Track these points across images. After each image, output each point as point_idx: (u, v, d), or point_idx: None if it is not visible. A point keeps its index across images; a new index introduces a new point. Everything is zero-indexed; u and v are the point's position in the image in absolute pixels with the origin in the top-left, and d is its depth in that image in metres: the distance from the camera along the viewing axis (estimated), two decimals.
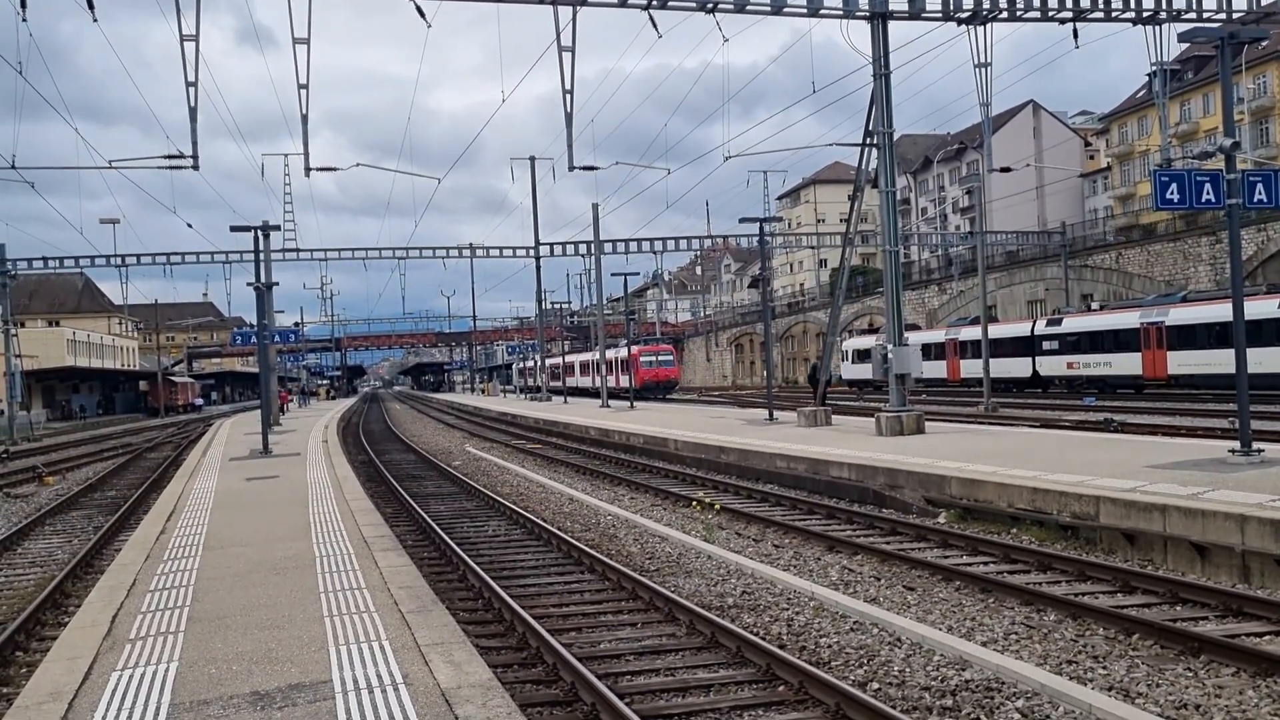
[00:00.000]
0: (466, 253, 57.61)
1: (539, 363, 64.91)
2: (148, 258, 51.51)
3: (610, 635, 8.71)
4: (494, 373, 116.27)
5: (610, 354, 59.72)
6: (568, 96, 23.42)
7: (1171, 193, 13.09)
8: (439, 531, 13.76)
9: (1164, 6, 22.89)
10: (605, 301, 57.95)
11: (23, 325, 68.31)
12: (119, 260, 50.39)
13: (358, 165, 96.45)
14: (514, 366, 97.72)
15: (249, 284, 25.81)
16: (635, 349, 56.64)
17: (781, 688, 7.04)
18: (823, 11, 21.41)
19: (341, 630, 7.07)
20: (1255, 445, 13.32)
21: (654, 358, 58.11)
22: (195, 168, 22.97)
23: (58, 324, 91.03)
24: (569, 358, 69.21)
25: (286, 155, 71.82)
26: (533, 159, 53.06)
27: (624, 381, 53.93)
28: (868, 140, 22.37)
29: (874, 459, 16.19)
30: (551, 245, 55.27)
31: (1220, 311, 32.12)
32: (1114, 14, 22.84)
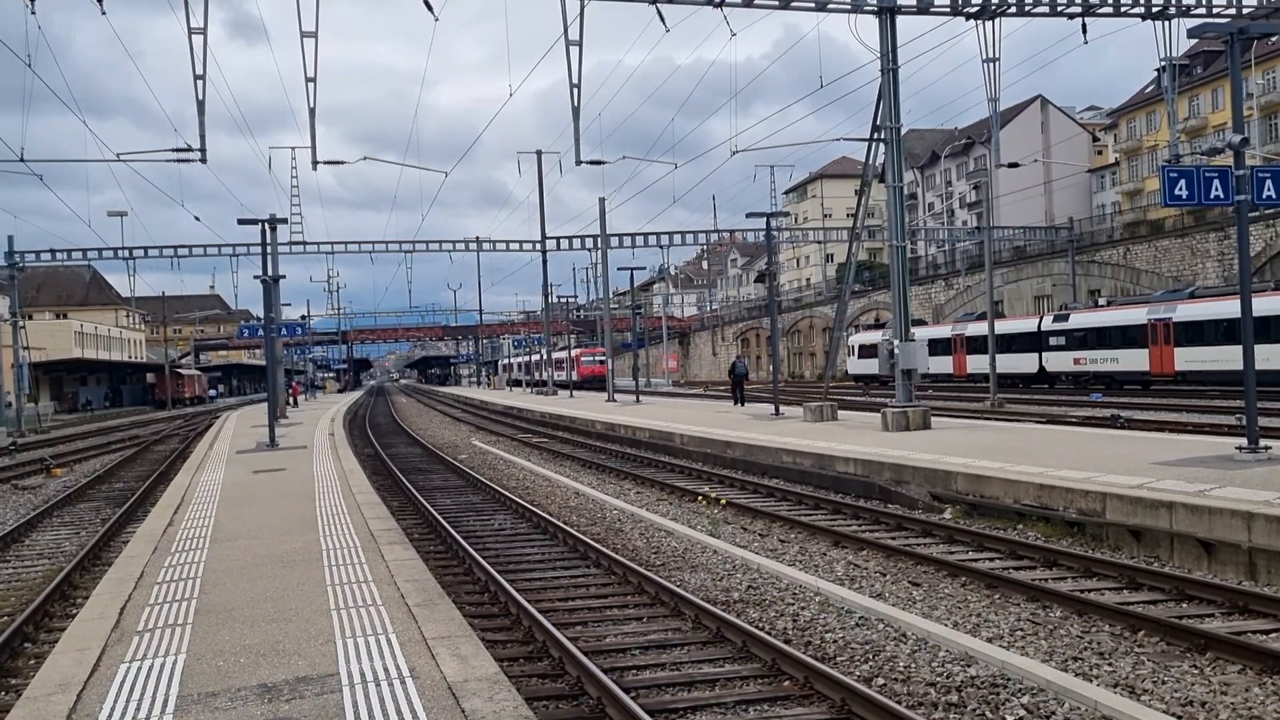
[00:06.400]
0: (473, 246, 57.70)
1: (544, 356, 65.29)
2: (155, 250, 51.63)
3: (616, 629, 8.73)
4: (499, 366, 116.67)
5: (558, 355, 73.25)
6: (575, 91, 23.43)
7: (1180, 189, 13.06)
8: (445, 525, 13.79)
9: (1173, 1, 22.81)
10: (611, 295, 58.11)
11: (30, 317, 68.49)
12: (126, 253, 50.51)
13: (364, 159, 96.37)
14: (499, 363, 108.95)
15: (256, 277, 25.84)
16: (577, 351, 76.35)
17: (787, 683, 7.05)
18: (831, 5, 21.37)
19: (348, 623, 7.09)
20: (1263, 442, 13.31)
21: (592, 358, 74.00)
22: (203, 160, 23.06)
23: (65, 316, 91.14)
24: (536, 356, 79.82)
25: (294, 149, 72.01)
26: (539, 153, 53.10)
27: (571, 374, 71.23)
28: (875, 135, 22.33)
29: (880, 454, 16.19)
30: (558, 239, 55.35)
31: (1228, 308, 32.02)
32: (1123, 9, 22.78)
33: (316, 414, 41.85)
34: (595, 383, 70.82)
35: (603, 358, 73.23)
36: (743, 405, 34.39)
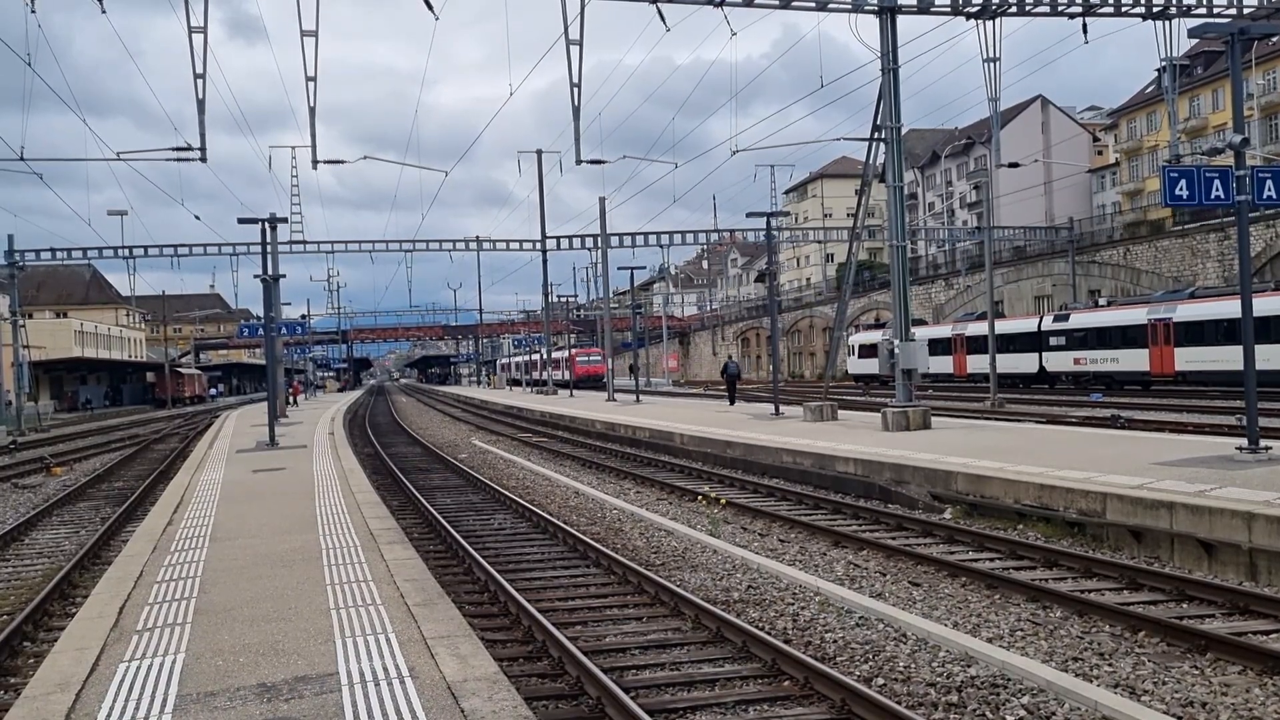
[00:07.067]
0: (473, 246, 57.72)
1: (544, 356, 65.42)
2: (155, 250, 51.60)
3: (616, 629, 8.72)
4: (498, 366, 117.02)
5: (556, 354, 73.40)
6: (575, 90, 23.42)
7: (1180, 189, 13.05)
8: (445, 524, 13.78)
9: (1174, 1, 22.80)
10: (611, 295, 58.24)
11: (31, 316, 68.46)
12: (126, 252, 50.47)
13: (364, 158, 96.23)
14: (497, 363, 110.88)
15: (256, 276, 25.84)
16: (574, 351, 77.21)
17: (787, 683, 7.04)
18: (831, 5, 21.36)
19: (348, 622, 7.08)
20: (1263, 443, 13.31)
21: (587, 358, 75.94)
22: (203, 160, 23.05)
23: (65, 315, 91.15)
24: (532, 356, 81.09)
25: (294, 148, 72.06)
26: (539, 153, 53.10)
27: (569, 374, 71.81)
28: (875, 135, 22.32)
29: (880, 454, 16.18)
30: (558, 239, 55.32)
31: (1228, 308, 32.01)
32: (1124, 9, 22.77)
33: (316, 413, 41.85)
34: (591, 382, 72.17)
35: (598, 357, 75.22)
36: (734, 404, 35.21)
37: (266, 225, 25.82)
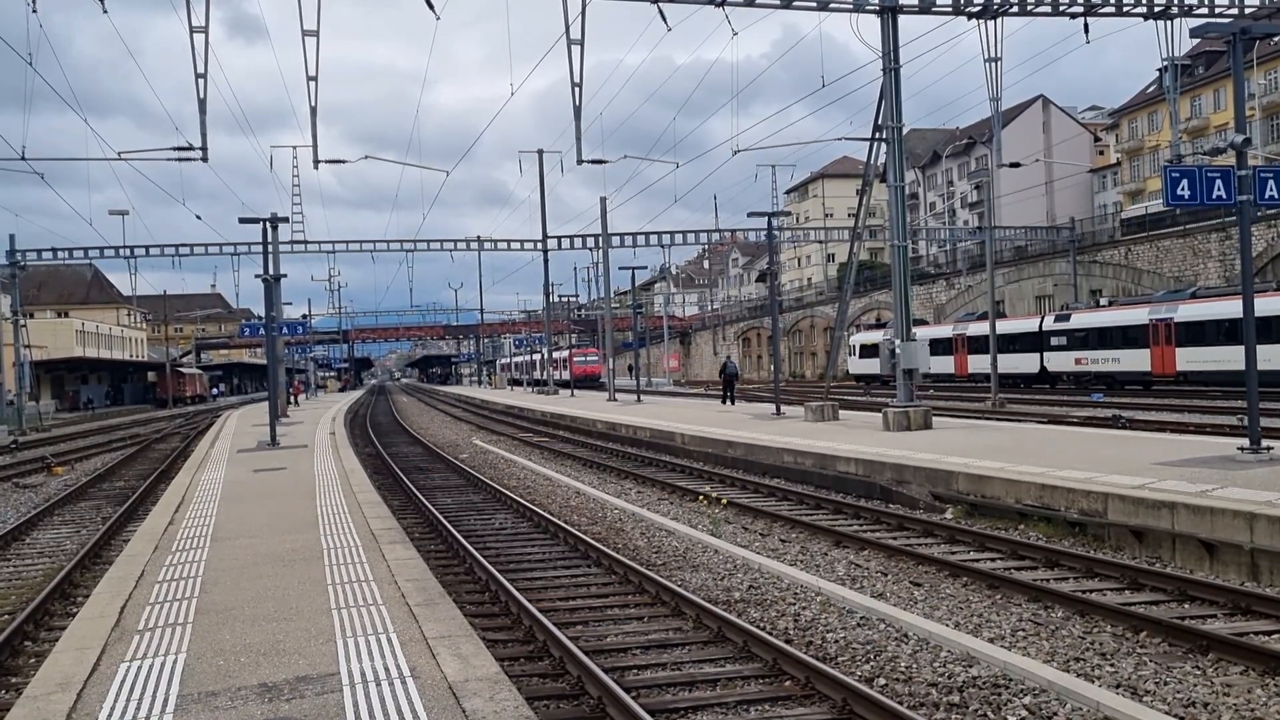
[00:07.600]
0: (474, 245, 57.75)
1: (545, 356, 65.46)
2: (156, 249, 51.61)
3: (617, 629, 8.72)
4: (498, 366, 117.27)
5: (555, 355, 74.21)
6: (576, 90, 23.42)
7: (1182, 189, 13.04)
8: (446, 524, 13.78)
9: (1175, 1, 22.79)
10: (612, 295, 58.27)
11: (32, 316, 68.52)
12: (128, 251, 50.49)
13: (365, 158, 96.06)
14: (498, 363, 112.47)
15: (257, 275, 25.85)
16: (572, 351, 78.16)
17: (788, 683, 7.04)
18: (833, 5, 21.35)
19: (349, 622, 7.08)
20: (1264, 443, 13.30)
21: (584, 358, 77.38)
22: (204, 159, 23.06)
23: (67, 315, 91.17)
24: (532, 356, 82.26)
25: (295, 148, 71.89)
26: (540, 153, 53.07)
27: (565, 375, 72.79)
28: (877, 134, 22.30)
29: (881, 454, 16.17)
30: (559, 239, 55.28)
31: (1230, 308, 32.01)
32: (1125, 9, 22.76)
33: (317, 413, 41.85)
34: (589, 381, 73.20)
35: (595, 358, 75.48)
36: (732, 404, 35.53)
37: (267, 225, 25.83)
